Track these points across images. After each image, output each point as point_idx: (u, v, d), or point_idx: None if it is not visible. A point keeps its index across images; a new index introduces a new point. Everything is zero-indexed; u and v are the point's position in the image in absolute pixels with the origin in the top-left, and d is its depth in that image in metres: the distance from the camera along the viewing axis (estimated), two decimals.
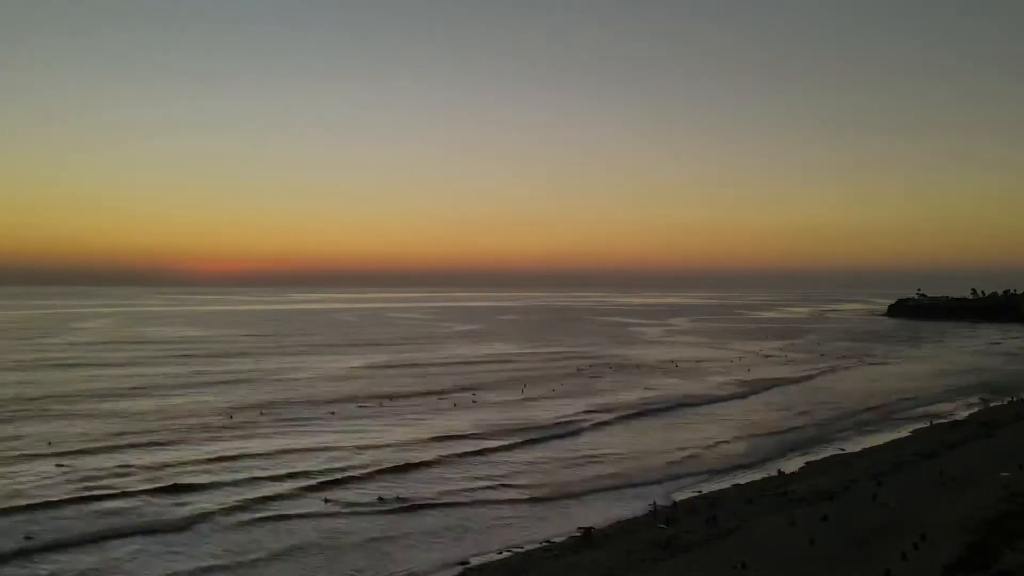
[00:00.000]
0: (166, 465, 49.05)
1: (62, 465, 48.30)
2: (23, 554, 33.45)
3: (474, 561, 34.01)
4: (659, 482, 48.29)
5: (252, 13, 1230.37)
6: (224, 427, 62.85)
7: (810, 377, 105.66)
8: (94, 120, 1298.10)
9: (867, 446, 59.66)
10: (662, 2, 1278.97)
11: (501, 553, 34.99)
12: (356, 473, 48.39)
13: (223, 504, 40.98)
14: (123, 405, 72.94)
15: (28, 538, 35.20)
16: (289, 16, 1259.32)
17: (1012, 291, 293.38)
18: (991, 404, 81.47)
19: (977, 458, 51.18)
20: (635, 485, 47.51)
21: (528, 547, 35.85)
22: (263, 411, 70.39)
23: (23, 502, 40.40)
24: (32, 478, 45.34)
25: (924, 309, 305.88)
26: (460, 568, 33.30)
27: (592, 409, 74.29)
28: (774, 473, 50.38)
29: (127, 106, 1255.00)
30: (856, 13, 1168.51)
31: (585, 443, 60.08)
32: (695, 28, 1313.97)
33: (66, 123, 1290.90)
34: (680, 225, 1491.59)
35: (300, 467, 49.41)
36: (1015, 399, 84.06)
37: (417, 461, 51.79)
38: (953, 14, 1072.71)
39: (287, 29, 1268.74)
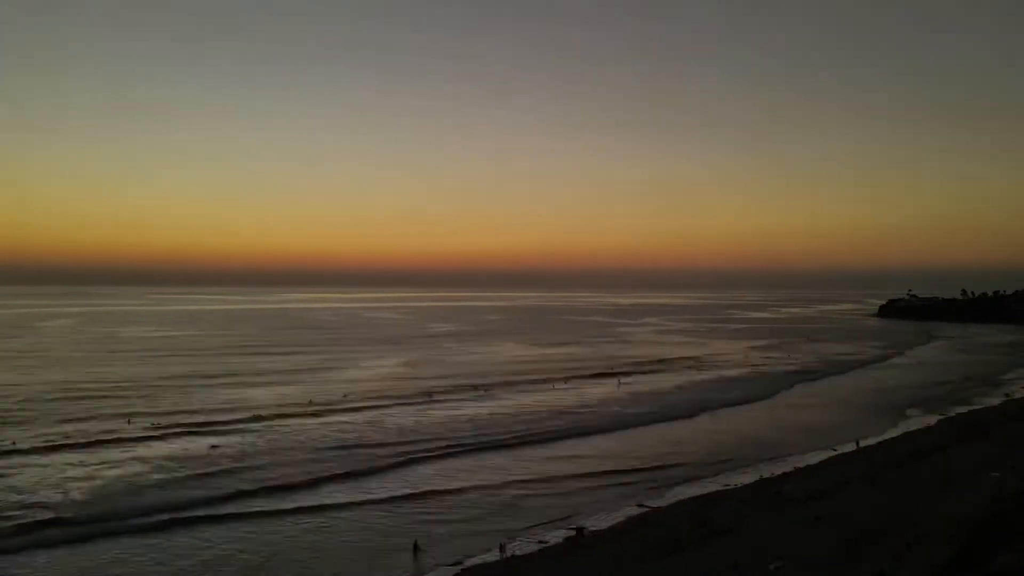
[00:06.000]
0: None
1: None
2: None
3: (468, 563, 34.07)
4: None
5: (252, 13, 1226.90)
6: None
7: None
8: (91, 119, 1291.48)
9: (861, 446, 59.81)
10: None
11: None
12: None
13: None
14: None
15: None
16: (286, 19, 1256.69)
17: (1001, 292, 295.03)
18: (986, 405, 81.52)
19: (969, 459, 51.24)
20: None
21: (524, 549, 35.93)
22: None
23: None
24: None
25: (914, 309, 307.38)
26: (458, 568, 33.34)
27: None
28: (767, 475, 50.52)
29: (125, 104, 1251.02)
30: (854, 13, 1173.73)
31: None
32: (693, 27, 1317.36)
33: (63, 122, 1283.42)
34: (676, 225, 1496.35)
35: None
36: (1009, 399, 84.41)
37: None
38: (952, 14, 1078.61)
39: (282, 31, 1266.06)
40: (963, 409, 77.97)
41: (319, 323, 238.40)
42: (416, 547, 35.45)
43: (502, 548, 35.70)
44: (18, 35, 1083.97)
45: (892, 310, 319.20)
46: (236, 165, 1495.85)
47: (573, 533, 38.04)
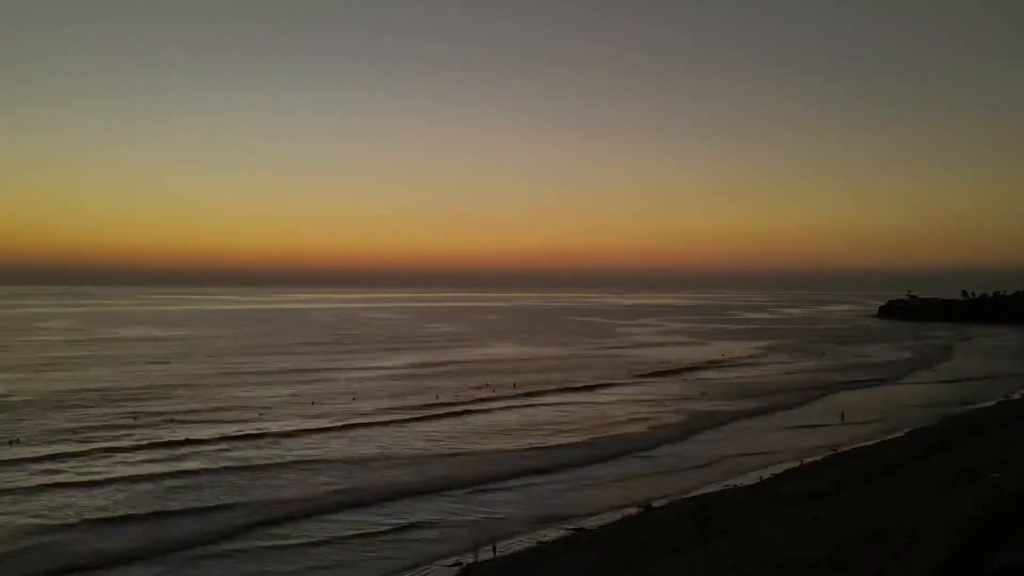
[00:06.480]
0: None
1: None
2: None
3: (465, 562, 34.06)
4: None
5: (250, 13, 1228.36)
6: None
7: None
8: (89, 117, 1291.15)
9: (859, 446, 59.90)
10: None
11: None
12: None
13: None
14: None
15: None
16: (286, 19, 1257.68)
17: (1001, 293, 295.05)
18: (982, 405, 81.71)
19: (968, 459, 51.22)
20: None
21: (518, 547, 35.90)
22: None
23: None
24: None
25: (914, 310, 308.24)
26: (457, 569, 33.33)
27: None
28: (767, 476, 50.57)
29: (124, 104, 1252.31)
30: (854, 14, 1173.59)
31: None
32: (689, 26, 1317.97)
33: (62, 121, 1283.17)
34: (676, 226, 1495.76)
35: None
36: (1008, 399, 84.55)
37: None
38: (952, 14, 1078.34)
39: (281, 31, 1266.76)
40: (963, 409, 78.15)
41: (316, 324, 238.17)
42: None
43: (494, 548, 35.64)
44: (18, 36, 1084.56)
45: (891, 311, 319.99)
46: (235, 165, 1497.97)
47: (572, 532, 38.03)
